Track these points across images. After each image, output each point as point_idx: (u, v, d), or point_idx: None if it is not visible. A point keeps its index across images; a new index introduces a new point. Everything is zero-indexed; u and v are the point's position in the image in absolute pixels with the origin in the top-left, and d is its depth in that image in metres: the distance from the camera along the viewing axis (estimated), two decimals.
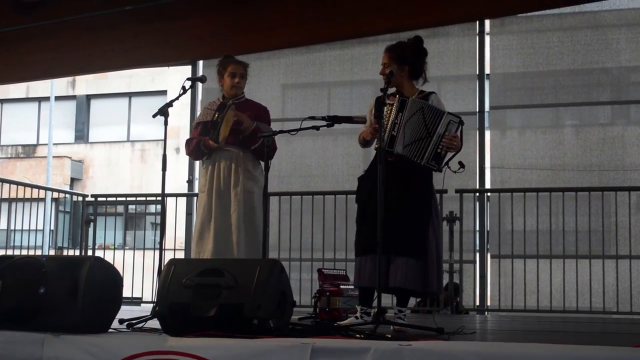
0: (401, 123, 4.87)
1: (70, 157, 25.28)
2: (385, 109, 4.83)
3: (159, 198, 5.61)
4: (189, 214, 9.15)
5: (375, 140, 4.99)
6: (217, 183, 5.79)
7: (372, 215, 4.68)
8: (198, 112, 8.06)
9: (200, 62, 9.93)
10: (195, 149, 5.90)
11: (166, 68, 13.72)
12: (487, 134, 9.21)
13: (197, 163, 8.20)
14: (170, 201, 8.50)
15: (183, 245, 9.95)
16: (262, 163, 5.88)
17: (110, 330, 4.21)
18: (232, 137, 5.73)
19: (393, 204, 4.80)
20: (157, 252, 5.31)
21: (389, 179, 4.71)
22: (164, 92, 23.10)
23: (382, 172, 4.51)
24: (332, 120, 4.98)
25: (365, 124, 5.15)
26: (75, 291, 4.01)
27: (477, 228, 8.74)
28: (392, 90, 5.02)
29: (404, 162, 4.92)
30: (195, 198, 7.45)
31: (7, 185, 9.48)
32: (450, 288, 7.94)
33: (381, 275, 4.48)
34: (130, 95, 25.60)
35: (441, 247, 5.12)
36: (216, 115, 5.76)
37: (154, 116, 5.37)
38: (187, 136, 6.31)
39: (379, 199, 4.47)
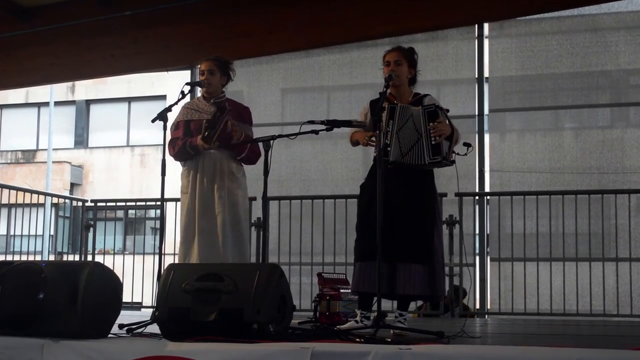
0: (393, 132, 4.86)
1: (69, 163, 25.27)
2: (383, 115, 4.82)
3: (159, 203, 5.60)
4: None
5: (374, 148, 5.00)
6: (200, 185, 5.69)
7: (375, 221, 4.68)
8: None
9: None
10: (182, 150, 5.72)
11: (165, 73, 13.73)
12: (487, 137, 9.22)
13: None
14: (169, 206, 8.49)
15: None
16: (244, 166, 5.87)
17: (110, 335, 4.20)
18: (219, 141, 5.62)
19: (396, 210, 4.80)
20: (156, 257, 5.31)
21: (390, 185, 4.71)
22: (163, 97, 23.09)
23: (382, 178, 4.51)
24: (332, 124, 4.96)
25: (364, 128, 5.15)
26: (74, 296, 4.00)
27: (477, 231, 8.74)
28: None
29: (404, 168, 4.92)
30: None
31: (7, 190, 9.48)
32: (451, 292, 7.92)
33: (381, 280, 4.47)
34: (129, 100, 25.60)
35: (443, 249, 5.14)
36: (217, 115, 5.58)
37: (153, 121, 5.35)
38: None
39: (379, 204, 4.47)
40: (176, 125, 5.84)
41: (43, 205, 14.87)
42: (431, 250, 4.88)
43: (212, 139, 5.54)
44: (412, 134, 4.86)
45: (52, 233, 19.49)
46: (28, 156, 26.30)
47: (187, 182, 5.78)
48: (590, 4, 8.99)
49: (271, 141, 5.21)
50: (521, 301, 8.17)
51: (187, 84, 5.59)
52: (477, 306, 8.48)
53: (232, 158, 5.77)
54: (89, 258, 9.34)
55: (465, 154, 4.96)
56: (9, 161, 26.38)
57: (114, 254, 10.36)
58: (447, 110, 4.93)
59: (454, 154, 4.97)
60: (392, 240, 4.69)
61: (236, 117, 5.73)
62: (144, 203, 10.91)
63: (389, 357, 3.38)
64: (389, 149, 4.84)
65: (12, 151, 26.46)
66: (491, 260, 8.62)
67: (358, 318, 4.97)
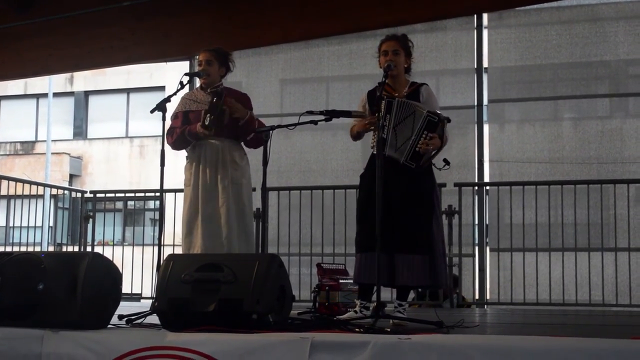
0: (390, 126, 4.87)
1: (69, 154, 25.25)
2: (381, 107, 4.82)
3: (158, 194, 5.59)
4: None
5: (371, 138, 5.01)
6: (203, 177, 5.67)
7: (374, 213, 4.68)
8: None
9: None
10: (180, 138, 5.73)
11: (164, 64, 13.74)
12: (486, 127, 9.21)
13: None
14: (169, 197, 8.47)
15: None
16: (247, 155, 5.85)
17: (109, 326, 4.21)
18: (219, 127, 5.62)
19: (395, 201, 4.81)
20: (156, 248, 5.31)
21: (388, 177, 4.71)
22: (162, 88, 23.06)
23: (381, 169, 4.51)
24: (331, 114, 4.96)
25: (363, 119, 5.15)
26: (74, 287, 4.01)
27: (476, 222, 8.75)
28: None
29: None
30: None
31: (6, 182, 9.47)
32: (450, 281, 7.93)
33: (381, 271, 4.47)
34: (128, 91, 25.56)
35: (444, 239, 5.15)
36: (214, 101, 5.58)
37: (152, 112, 5.34)
38: None
39: (378, 196, 4.47)
40: (175, 116, 5.86)
41: (42, 196, 14.88)
42: (430, 240, 4.90)
43: (211, 125, 5.53)
44: (408, 131, 4.87)
45: (51, 224, 19.50)
46: (27, 147, 26.27)
47: (189, 175, 5.77)
48: None
49: (270, 132, 5.21)
50: (520, 291, 8.18)
51: (186, 74, 5.58)
52: (477, 296, 8.49)
53: (234, 147, 5.76)
54: (89, 249, 9.34)
55: (440, 169, 4.98)
56: (8, 152, 26.36)
57: (113, 245, 10.36)
58: (449, 120, 4.93)
59: (430, 164, 4.99)
60: (391, 232, 4.69)
61: None
62: (143, 194, 10.91)
63: (388, 347, 3.39)
64: (386, 143, 4.85)
65: (11, 142, 26.43)
66: (490, 250, 8.64)
67: (357, 308, 4.98)
